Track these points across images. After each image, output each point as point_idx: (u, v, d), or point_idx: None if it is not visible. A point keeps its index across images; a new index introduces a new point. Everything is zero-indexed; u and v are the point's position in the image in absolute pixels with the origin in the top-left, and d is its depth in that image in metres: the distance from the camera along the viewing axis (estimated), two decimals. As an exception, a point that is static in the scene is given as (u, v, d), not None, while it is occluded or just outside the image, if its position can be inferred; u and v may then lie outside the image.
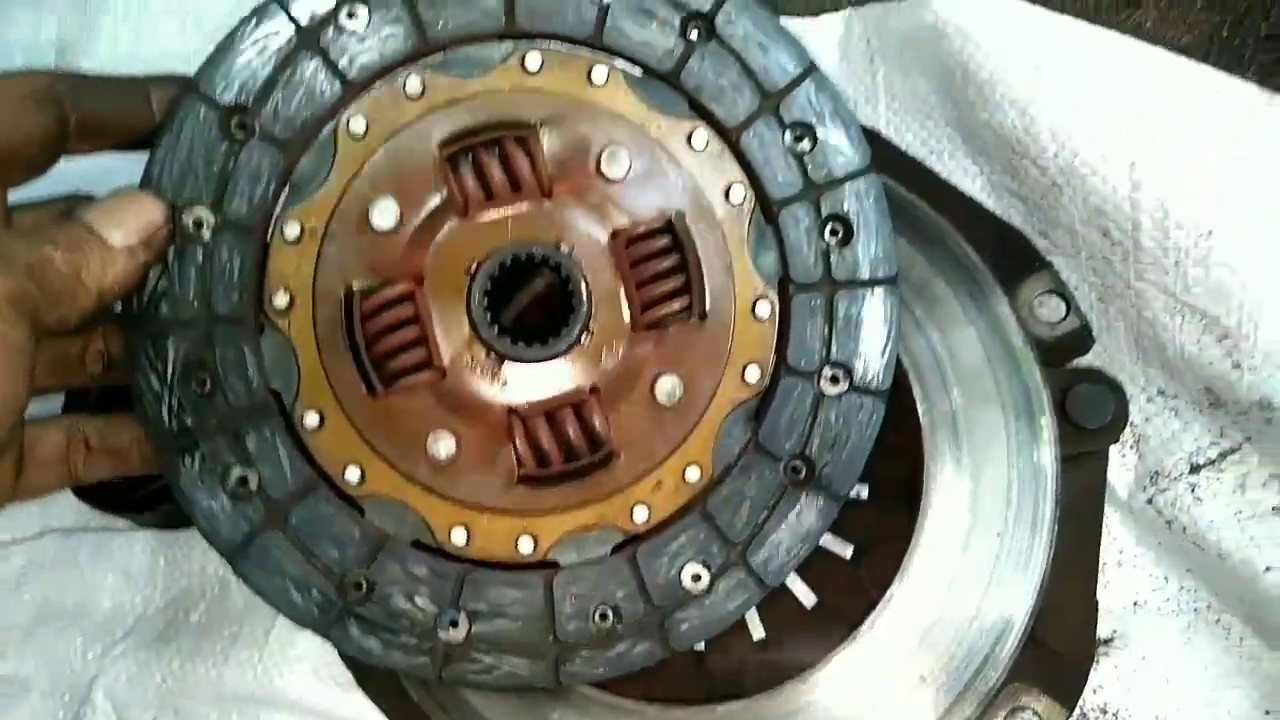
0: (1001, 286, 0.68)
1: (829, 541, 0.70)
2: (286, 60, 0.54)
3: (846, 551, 0.70)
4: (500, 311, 0.56)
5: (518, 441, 0.54)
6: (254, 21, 0.55)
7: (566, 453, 0.54)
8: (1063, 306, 0.69)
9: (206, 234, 0.53)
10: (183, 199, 0.53)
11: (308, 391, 0.54)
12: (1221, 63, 0.84)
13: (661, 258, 0.55)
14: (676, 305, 0.54)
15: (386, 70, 0.55)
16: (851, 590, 0.68)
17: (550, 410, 0.54)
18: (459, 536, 0.54)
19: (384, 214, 0.54)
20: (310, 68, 0.55)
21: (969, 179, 0.73)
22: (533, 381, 0.54)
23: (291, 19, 0.55)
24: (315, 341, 0.54)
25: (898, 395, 0.67)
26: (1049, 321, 0.69)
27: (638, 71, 0.56)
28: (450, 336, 0.54)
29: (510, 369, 0.54)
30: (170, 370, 0.53)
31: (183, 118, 0.54)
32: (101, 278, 0.49)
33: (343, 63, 0.55)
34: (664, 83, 0.56)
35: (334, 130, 0.55)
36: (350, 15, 0.55)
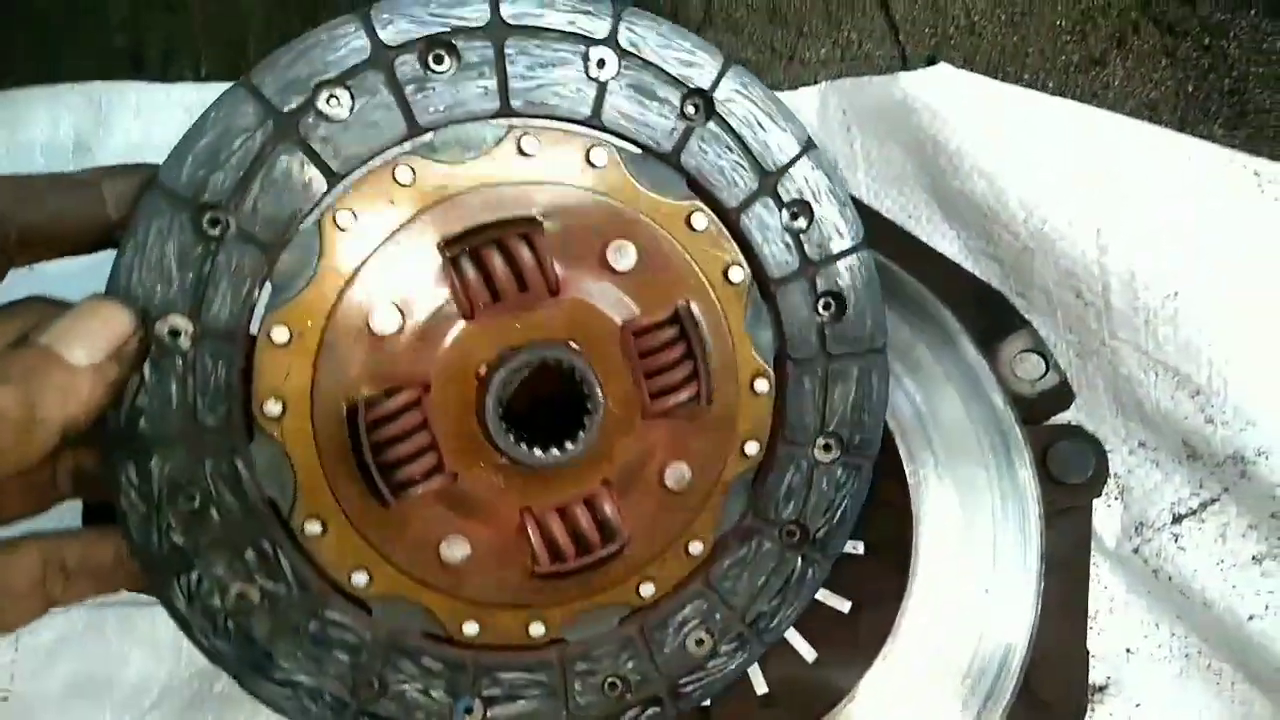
0: (981, 346, 0.71)
1: (826, 596, 0.73)
2: (263, 150, 0.50)
3: (844, 606, 0.73)
4: (513, 415, 0.53)
5: (533, 540, 0.53)
6: (223, 108, 0.50)
7: (580, 546, 0.54)
8: (1042, 364, 0.71)
9: (185, 342, 0.49)
10: (156, 307, 0.49)
11: (307, 499, 0.52)
12: (1188, 116, 0.87)
13: (670, 348, 0.54)
14: (685, 394, 0.54)
15: (373, 158, 0.51)
16: (849, 644, 0.70)
17: (563, 506, 0.54)
18: (471, 629, 0.54)
19: (384, 319, 0.51)
20: (289, 159, 0.50)
21: (946, 242, 0.76)
22: (546, 480, 0.53)
23: (266, 105, 0.50)
24: (315, 449, 0.51)
25: (886, 452, 0.70)
26: (1029, 379, 0.71)
27: (635, 150, 0.54)
28: (461, 441, 0.52)
29: (524, 470, 0.52)
30: (156, 490, 0.50)
31: (149, 217, 0.49)
32: (63, 408, 0.45)
33: (325, 152, 0.51)
34: (663, 163, 0.55)
35: (319, 225, 0.51)
36: (331, 100, 0.50)
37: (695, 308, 0.54)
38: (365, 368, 0.51)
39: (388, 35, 0.50)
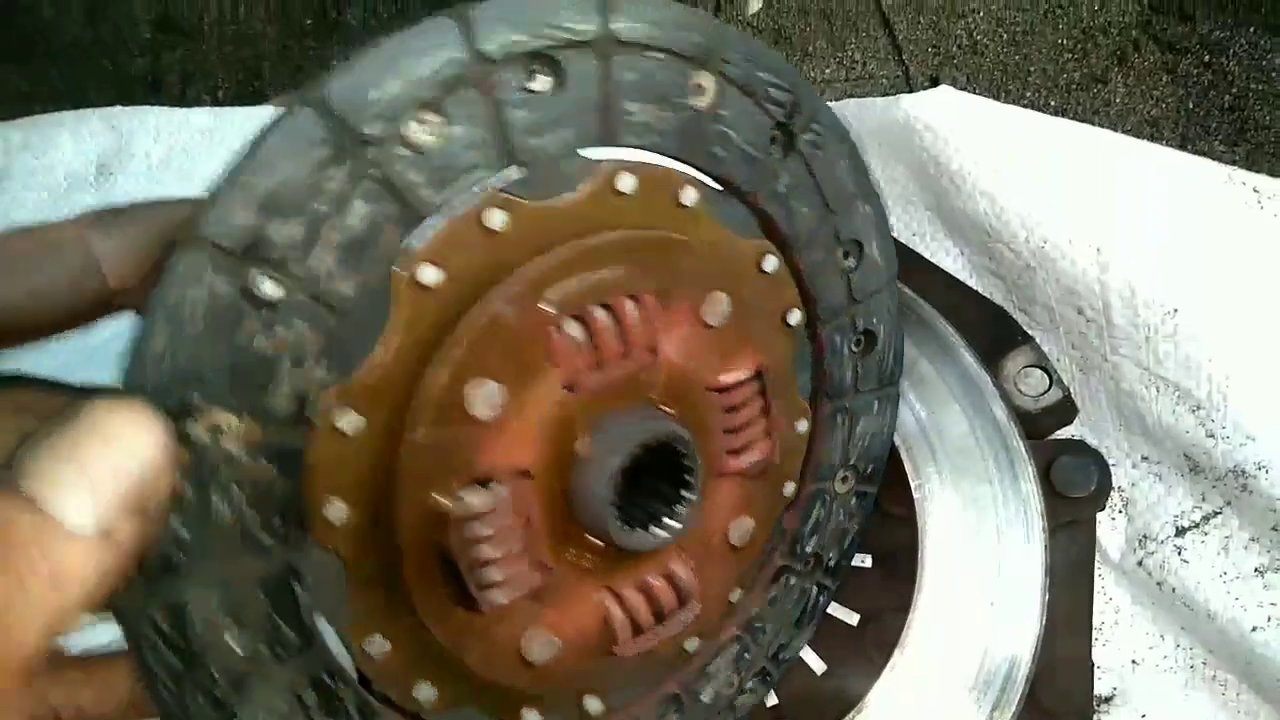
0: (985, 362, 0.72)
1: (835, 609, 0.74)
2: (339, 190, 0.38)
3: (852, 619, 0.74)
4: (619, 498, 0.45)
5: (616, 620, 0.47)
6: (287, 135, 0.37)
7: (657, 618, 0.49)
8: (1045, 379, 0.72)
9: (231, 444, 0.37)
10: (190, 399, 0.36)
11: (371, 613, 0.43)
12: (1189, 133, 0.89)
13: (748, 405, 0.50)
14: (758, 454, 0.50)
15: (459, 197, 0.41)
16: (858, 656, 0.71)
17: (644, 579, 0.48)
18: (531, 718, 0.49)
19: (485, 400, 0.41)
20: (368, 201, 0.38)
21: (950, 259, 0.77)
22: (633, 556, 0.47)
23: (343, 131, 0.37)
24: (385, 553, 0.42)
25: (893, 468, 0.71)
26: (1032, 394, 0.72)
27: (717, 188, 0.49)
28: (555, 527, 0.45)
29: (615, 551, 0.46)
30: (194, 640, 0.37)
31: (185, 280, 0.35)
32: (45, 620, 0.29)
33: (409, 192, 0.39)
34: (741, 201, 0.49)
35: (396, 283, 0.40)
36: (420, 126, 0.39)
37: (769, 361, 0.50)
38: (451, 455, 0.42)
39: (489, 45, 0.40)
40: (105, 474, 0.30)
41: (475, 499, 0.41)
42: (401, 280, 0.40)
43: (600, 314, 0.44)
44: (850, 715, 0.68)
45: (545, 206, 0.44)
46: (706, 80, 0.46)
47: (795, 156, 0.50)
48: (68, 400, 0.31)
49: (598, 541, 0.45)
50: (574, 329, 0.44)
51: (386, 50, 0.38)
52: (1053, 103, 0.92)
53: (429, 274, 0.41)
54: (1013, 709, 0.65)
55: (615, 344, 0.45)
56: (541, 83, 0.42)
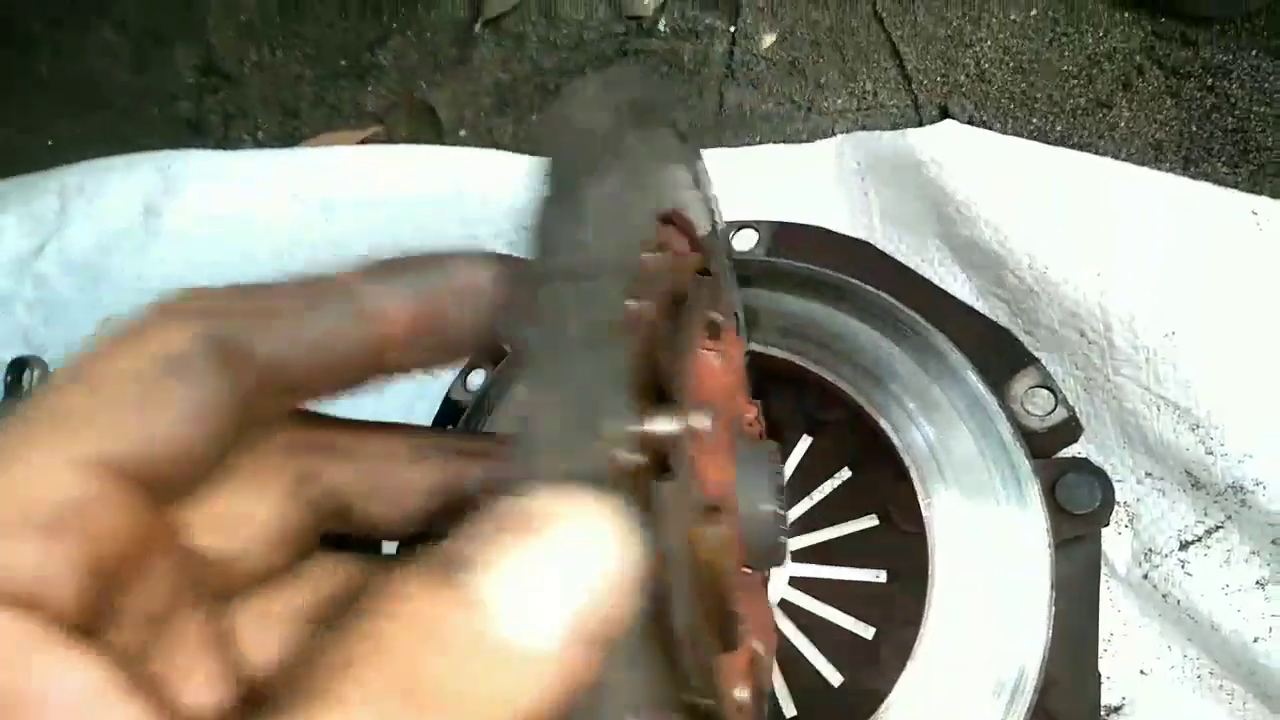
0: (992, 383, 0.75)
1: (851, 624, 0.77)
2: None
3: (868, 633, 0.77)
4: None
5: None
6: None
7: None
8: (1051, 400, 0.75)
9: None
10: None
11: None
12: (1192, 155, 0.91)
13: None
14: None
15: None
16: (873, 668, 0.74)
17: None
18: None
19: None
20: None
21: (958, 284, 0.80)
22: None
23: None
24: None
25: (904, 486, 0.74)
26: (1039, 414, 0.75)
27: None
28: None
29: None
30: None
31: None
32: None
33: None
34: None
35: None
36: None
37: None
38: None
39: None
40: (575, 585, 0.24)
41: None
42: None
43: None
44: (866, 724, 0.71)
45: None
46: None
47: None
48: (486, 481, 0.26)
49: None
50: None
51: None
52: (1059, 128, 0.94)
53: None
54: (1022, 717, 0.67)
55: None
56: None
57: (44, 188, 1.06)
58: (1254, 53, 0.92)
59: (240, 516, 0.30)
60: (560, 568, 0.23)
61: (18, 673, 0.22)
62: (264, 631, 0.31)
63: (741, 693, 0.34)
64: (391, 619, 0.22)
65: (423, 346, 0.32)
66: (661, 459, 0.29)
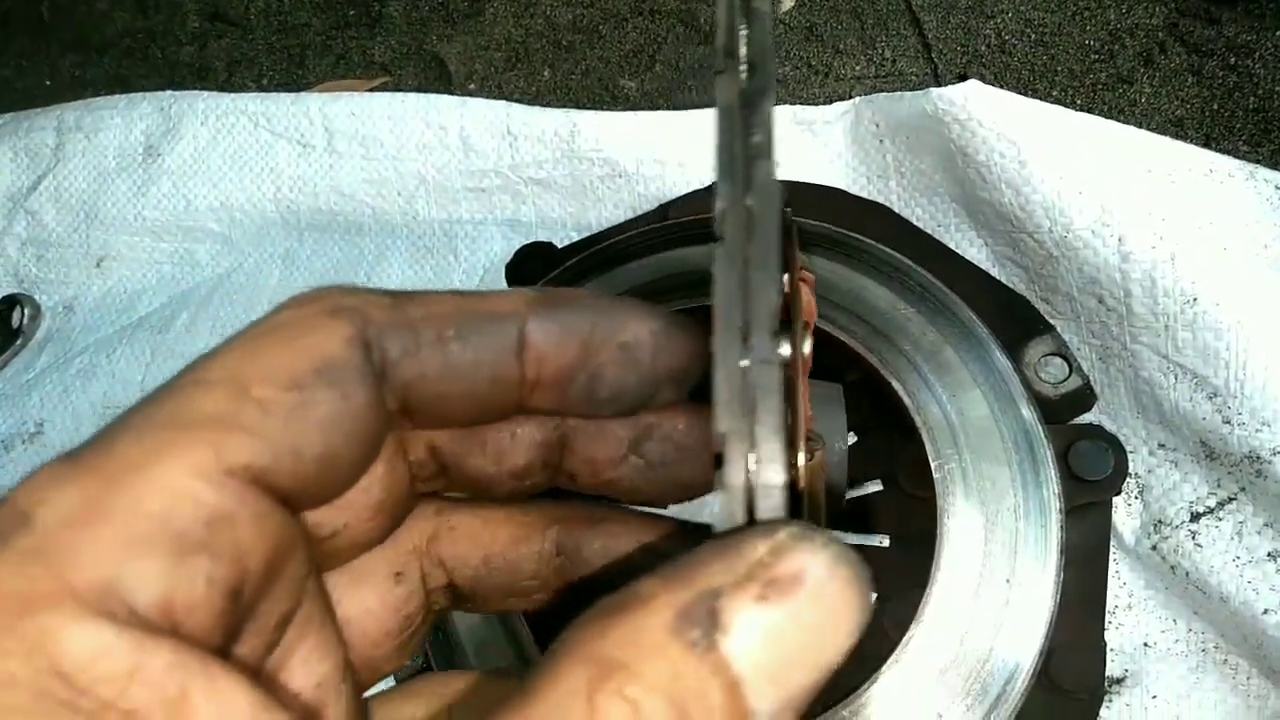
0: (1007, 349, 0.74)
1: (854, 589, 0.76)
2: None
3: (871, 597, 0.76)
4: None
5: None
6: None
7: None
8: (1065, 367, 0.74)
9: None
10: None
11: None
12: (1213, 133, 0.90)
13: None
14: None
15: None
16: (874, 633, 0.73)
17: None
18: None
19: None
20: None
21: (974, 249, 0.79)
22: None
23: None
24: None
25: (914, 450, 0.73)
26: (1052, 382, 0.74)
27: None
28: None
29: None
30: None
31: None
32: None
33: None
34: None
35: None
36: None
37: None
38: None
39: None
40: (809, 656, 0.23)
41: None
42: None
43: None
44: (867, 684, 0.70)
45: None
46: None
47: None
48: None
49: None
50: None
51: None
52: (1079, 102, 0.93)
53: None
54: (1025, 682, 0.67)
55: None
56: None
57: (41, 124, 1.03)
58: (1278, 32, 0.92)
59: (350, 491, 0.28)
60: (808, 640, 0.22)
61: (178, 710, 0.21)
62: (360, 591, 0.30)
63: None
64: (645, 684, 0.21)
65: (570, 397, 0.29)
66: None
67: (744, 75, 0.28)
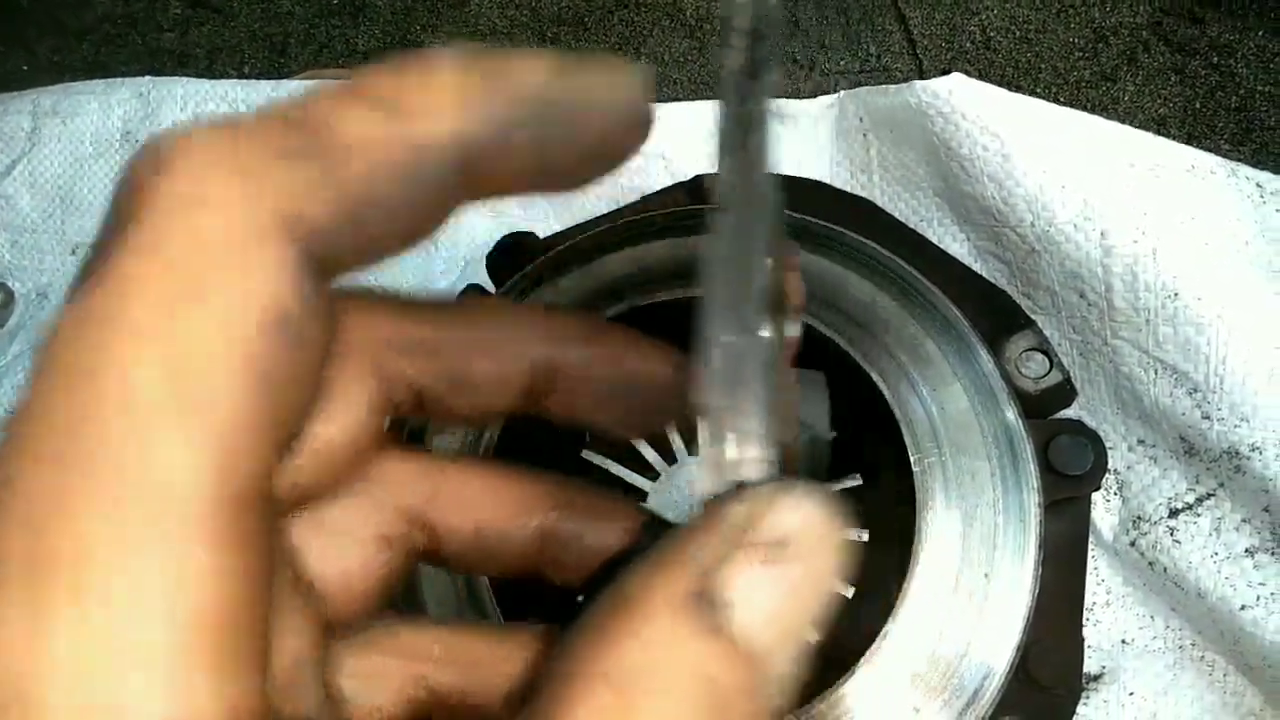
0: (988, 344, 0.73)
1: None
2: None
3: (848, 591, 0.75)
4: None
5: None
6: None
7: None
8: (1046, 363, 0.74)
9: None
10: None
11: None
12: (1195, 132, 0.90)
13: None
14: None
15: None
16: (851, 628, 0.72)
17: None
18: None
19: None
20: None
21: (957, 243, 0.79)
22: None
23: None
24: None
25: (893, 444, 0.72)
26: (1033, 377, 0.74)
27: None
28: None
29: None
30: None
31: None
32: None
33: None
34: None
35: None
36: None
37: None
38: None
39: None
40: (808, 606, 0.24)
41: None
42: None
43: None
44: (843, 679, 0.69)
45: None
46: None
47: None
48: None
49: None
50: None
51: None
52: (1062, 99, 0.93)
53: None
54: (1002, 680, 0.66)
55: None
56: None
57: (16, 107, 1.02)
58: (1261, 33, 0.92)
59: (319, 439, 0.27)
60: (807, 594, 0.23)
61: None
62: (341, 554, 0.29)
63: None
64: (657, 674, 0.21)
65: (577, 416, 0.31)
66: None
67: (747, 46, 0.29)
